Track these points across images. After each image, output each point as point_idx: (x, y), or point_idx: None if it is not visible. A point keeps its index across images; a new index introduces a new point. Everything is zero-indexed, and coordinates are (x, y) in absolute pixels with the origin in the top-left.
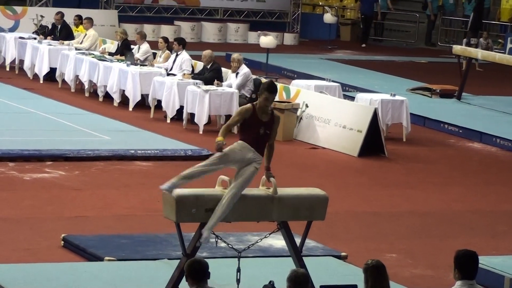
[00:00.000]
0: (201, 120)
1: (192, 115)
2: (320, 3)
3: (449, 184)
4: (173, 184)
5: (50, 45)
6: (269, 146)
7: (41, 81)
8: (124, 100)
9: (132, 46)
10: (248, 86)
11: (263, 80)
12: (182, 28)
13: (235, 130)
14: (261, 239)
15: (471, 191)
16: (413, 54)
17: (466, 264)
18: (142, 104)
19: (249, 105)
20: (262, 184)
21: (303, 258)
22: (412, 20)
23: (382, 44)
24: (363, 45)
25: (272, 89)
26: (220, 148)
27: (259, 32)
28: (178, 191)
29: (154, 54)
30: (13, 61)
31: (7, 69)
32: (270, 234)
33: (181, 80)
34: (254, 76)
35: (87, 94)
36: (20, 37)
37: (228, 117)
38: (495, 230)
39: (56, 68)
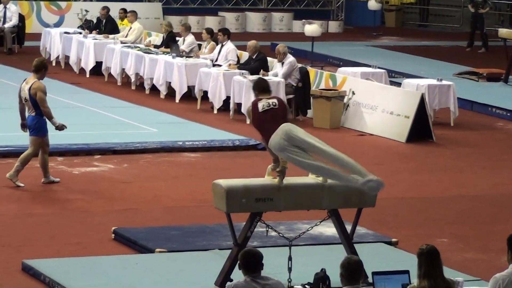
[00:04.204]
0: None
1: (239, 105)
2: None
3: (498, 168)
4: None
5: (96, 39)
6: None
7: (88, 76)
8: (171, 92)
9: (177, 38)
10: (294, 75)
11: (309, 68)
12: (226, 19)
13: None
14: (312, 227)
15: None
16: (459, 38)
17: None
18: (189, 95)
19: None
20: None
21: (354, 245)
22: (457, 5)
23: (428, 29)
24: None
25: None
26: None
27: (303, 20)
28: (228, 182)
29: (199, 46)
30: (58, 56)
31: (53, 64)
32: (320, 222)
33: (227, 70)
34: (299, 65)
35: (133, 87)
36: (65, 32)
37: None
38: None
39: (102, 62)
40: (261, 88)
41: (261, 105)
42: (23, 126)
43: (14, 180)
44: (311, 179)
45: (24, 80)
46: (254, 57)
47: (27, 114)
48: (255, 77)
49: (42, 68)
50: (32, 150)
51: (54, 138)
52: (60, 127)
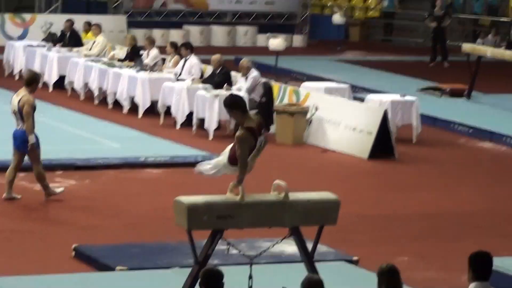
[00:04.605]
0: (211, 125)
1: (201, 121)
2: (329, 4)
3: (460, 185)
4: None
5: (59, 52)
6: None
7: (50, 90)
8: (134, 107)
9: (141, 52)
10: (258, 89)
11: (273, 83)
12: (191, 32)
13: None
14: (273, 245)
15: (482, 191)
16: (423, 53)
17: (480, 265)
18: (152, 111)
19: (246, 131)
20: (273, 189)
21: (315, 263)
22: (420, 20)
23: (392, 43)
24: None
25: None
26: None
27: (268, 34)
28: (189, 199)
29: (164, 60)
30: (21, 70)
31: (16, 78)
32: (282, 240)
33: (191, 85)
34: (263, 80)
35: (96, 102)
36: (29, 45)
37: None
38: (507, 230)
39: (65, 76)
40: (244, 106)
41: (259, 141)
42: None
43: (52, 192)
44: (273, 196)
45: (16, 92)
46: (218, 71)
47: (16, 128)
48: (218, 92)
49: (33, 82)
50: (36, 164)
51: None
52: (32, 147)
